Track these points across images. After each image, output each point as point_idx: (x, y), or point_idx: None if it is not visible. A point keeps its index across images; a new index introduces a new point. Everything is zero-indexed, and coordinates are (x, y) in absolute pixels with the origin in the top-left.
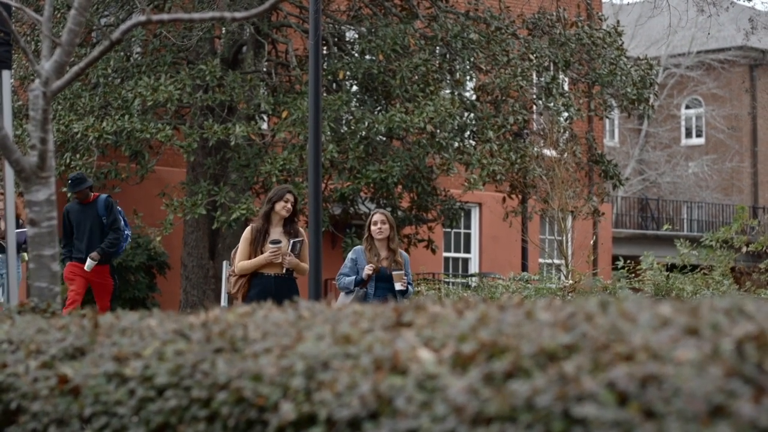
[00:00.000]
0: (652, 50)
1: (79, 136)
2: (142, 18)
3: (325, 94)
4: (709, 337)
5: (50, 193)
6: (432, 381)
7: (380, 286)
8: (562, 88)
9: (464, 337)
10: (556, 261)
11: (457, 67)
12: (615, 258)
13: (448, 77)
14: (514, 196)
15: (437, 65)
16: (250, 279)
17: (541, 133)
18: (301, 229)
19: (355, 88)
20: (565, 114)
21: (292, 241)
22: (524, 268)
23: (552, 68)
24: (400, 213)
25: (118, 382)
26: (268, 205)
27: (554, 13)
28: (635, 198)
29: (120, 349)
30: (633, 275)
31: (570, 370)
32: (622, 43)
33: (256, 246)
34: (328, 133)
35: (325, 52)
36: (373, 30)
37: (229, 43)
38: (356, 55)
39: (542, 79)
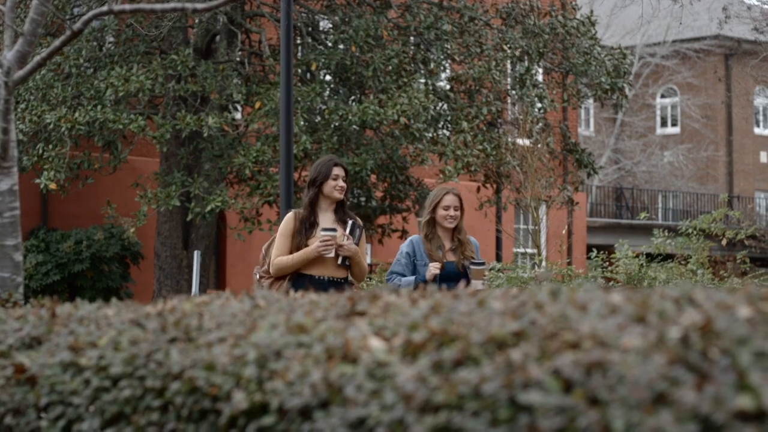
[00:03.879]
0: (627, 40)
1: (51, 126)
2: (104, 8)
3: (298, 85)
4: (656, 325)
5: (13, 183)
6: (382, 369)
7: (448, 286)
8: (536, 78)
9: (415, 325)
10: (530, 250)
11: (431, 57)
12: (590, 247)
13: (422, 68)
14: (488, 185)
15: (411, 56)
16: (291, 283)
17: (515, 123)
18: (357, 218)
19: (328, 78)
20: (539, 104)
21: (350, 222)
22: (498, 257)
23: (526, 58)
24: (374, 203)
25: (74, 371)
26: (312, 189)
27: (528, 3)
28: (610, 187)
29: (76, 338)
30: (607, 264)
31: (517, 358)
32: (596, 32)
33: (300, 238)
34: (302, 123)
35: (298, 42)
36: (346, 20)
37: (202, 33)
38: (330, 45)
39: (516, 69)
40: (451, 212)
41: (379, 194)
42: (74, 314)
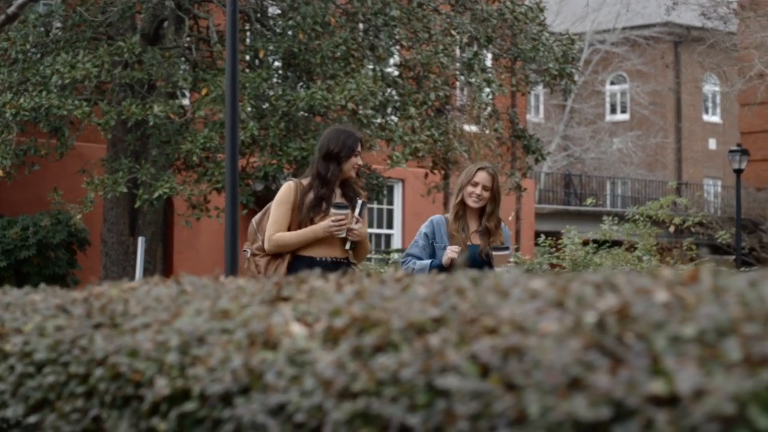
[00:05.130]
0: (578, 26)
1: None
2: None
3: (246, 71)
4: (574, 310)
5: None
6: (302, 356)
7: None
8: (484, 63)
9: (337, 311)
10: None
11: (379, 43)
12: (538, 233)
13: (370, 54)
14: (436, 172)
15: (359, 42)
16: (289, 265)
17: (463, 109)
18: (361, 192)
19: (277, 64)
20: (487, 90)
21: (360, 202)
22: None
23: (474, 44)
24: None
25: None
26: (332, 164)
27: None
28: (559, 174)
29: (2, 324)
30: (554, 250)
31: (435, 343)
32: (545, 18)
33: (305, 215)
34: (249, 110)
35: (247, 28)
36: (294, 6)
37: (149, 19)
38: (278, 31)
39: (464, 54)
40: (478, 190)
41: None
42: (1, 300)
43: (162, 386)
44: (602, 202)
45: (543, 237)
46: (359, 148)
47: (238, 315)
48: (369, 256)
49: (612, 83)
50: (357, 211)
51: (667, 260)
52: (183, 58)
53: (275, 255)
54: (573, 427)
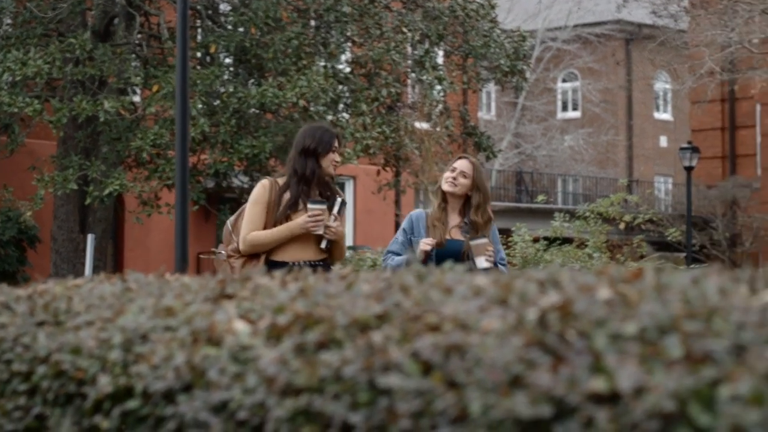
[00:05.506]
0: (529, 24)
1: None
2: None
3: (197, 68)
4: (517, 307)
5: None
6: (245, 352)
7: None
8: (436, 61)
9: (281, 308)
10: None
11: (331, 40)
12: None
13: (322, 50)
14: (387, 169)
15: (310, 38)
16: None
17: (414, 106)
18: (339, 190)
19: (228, 61)
20: (439, 87)
21: (339, 200)
22: None
23: (425, 41)
24: None
25: None
26: (311, 160)
27: None
28: (511, 171)
29: None
30: (505, 248)
31: (378, 341)
32: (496, 15)
33: (282, 210)
34: (200, 106)
35: (198, 24)
36: (246, 2)
37: (100, 16)
38: (229, 28)
39: (415, 52)
40: (455, 175)
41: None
42: None
43: (105, 384)
44: (553, 200)
45: None
46: (337, 144)
47: (181, 312)
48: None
49: (563, 81)
50: (336, 208)
51: (618, 257)
52: (134, 55)
53: (251, 256)
54: (514, 425)
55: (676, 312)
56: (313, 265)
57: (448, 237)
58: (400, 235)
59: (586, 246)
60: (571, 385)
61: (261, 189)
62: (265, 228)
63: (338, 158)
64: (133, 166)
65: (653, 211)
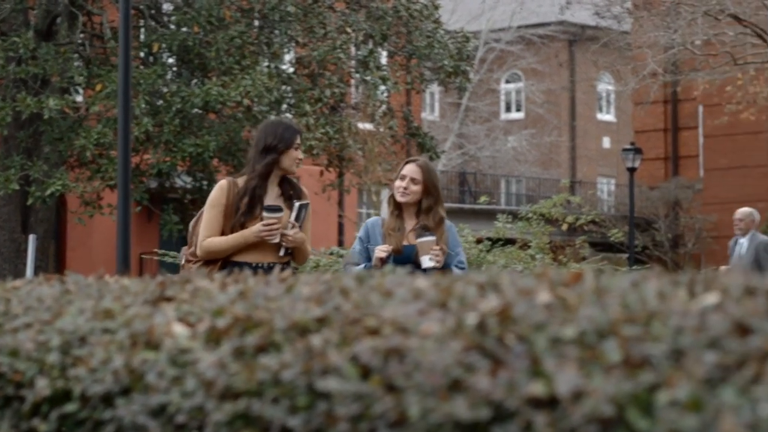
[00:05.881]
0: (473, 25)
1: None
2: None
3: (140, 67)
4: (456, 311)
5: None
6: (184, 356)
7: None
8: (379, 61)
9: (220, 311)
10: None
11: (275, 40)
12: None
13: (265, 50)
14: (330, 169)
15: (254, 38)
16: (222, 270)
17: (357, 107)
18: (305, 189)
19: (171, 60)
20: (382, 87)
21: (297, 204)
22: (340, 242)
23: (369, 42)
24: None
25: None
26: (269, 157)
27: None
28: (454, 172)
29: None
30: None
31: (317, 344)
32: (440, 16)
33: (238, 216)
34: (143, 106)
35: (141, 24)
36: (189, 1)
37: (42, 15)
38: (172, 27)
39: (359, 52)
40: (405, 183)
41: (221, 177)
42: None
43: (43, 387)
44: (497, 201)
45: None
46: (299, 141)
47: (120, 315)
48: None
49: (507, 81)
50: (293, 215)
51: (560, 258)
52: (77, 54)
53: (207, 261)
54: (453, 429)
55: (615, 316)
56: (273, 268)
57: (405, 242)
58: (357, 245)
59: (529, 247)
60: (510, 389)
61: (218, 191)
62: (224, 232)
63: (301, 155)
64: (75, 166)
65: (596, 212)
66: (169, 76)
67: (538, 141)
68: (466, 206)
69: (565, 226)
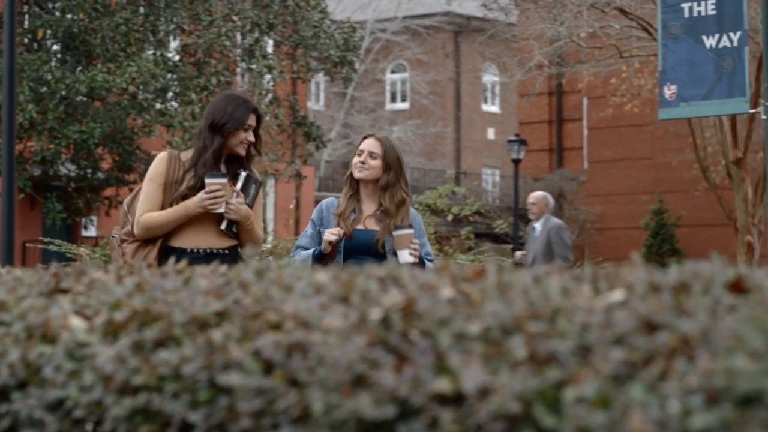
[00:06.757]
0: (359, 14)
1: None
2: None
3: (25, 54)
4: (359, 305)
5: None
6: (82, 350)
7: (359, 260)
8: (265, 50)
9: (118, 304)
10: None
11: (160, 27)
12: None
13: (151, 37)
14: None
15: (139, 25)
16: (160, 254)
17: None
18: (255, 171)
19: (56, 47)
20: (268, 76)
21: (244, 174)
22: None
23: (255, 30)
24: (101, 174)
25: None
26: (217, 137)
27: None
28: (340, 162)
29: None
30: None
31: (218, 339)
32: (326, 6)
33: (177, 189)
34: (27, 93)
35: (25, 10)
36: None
37: None
38: (57, 13)
39: (245, 40)
40: (362, 157)
41: (106, 165)
42: None
43: None
44: None
45: None
46: (251, 121)
47: (15, 307)
48: None
49: (392, 72)
50: (239, 184)
51: (446, 249)
52: None
53: (146, 241)
54: (357, 426)
55: (520, 312)
56: (212, 254)
57: (361, 227)
58: (309, 228)
59: None
60: (415, 385)
61: (158, 163)
62: (163, 207)
63: (251, 137)
64: None
65: (480, 203)
66: (53, 62)
67: (423, 132)
68: None
69: (450, 217)
